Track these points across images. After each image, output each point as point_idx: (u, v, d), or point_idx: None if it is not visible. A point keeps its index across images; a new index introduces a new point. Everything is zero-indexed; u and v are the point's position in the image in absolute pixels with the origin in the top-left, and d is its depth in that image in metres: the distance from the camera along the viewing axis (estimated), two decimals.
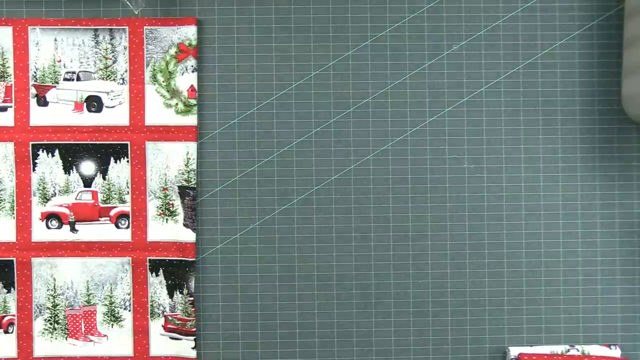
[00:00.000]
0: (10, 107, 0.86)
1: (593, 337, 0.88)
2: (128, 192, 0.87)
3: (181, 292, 0.87)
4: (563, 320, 0.88)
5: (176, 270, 0.87)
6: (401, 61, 0.88)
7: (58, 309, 0.87)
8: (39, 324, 0.87)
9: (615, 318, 0.88)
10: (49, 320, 0.87)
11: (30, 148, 0.86)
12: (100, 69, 0.87)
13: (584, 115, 0.89)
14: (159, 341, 0.87)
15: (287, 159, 0.88)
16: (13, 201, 0.86)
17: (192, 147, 0.87)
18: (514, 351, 0.87)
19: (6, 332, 0.86)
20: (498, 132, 0.88)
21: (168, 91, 0.87)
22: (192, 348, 0.86)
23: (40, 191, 0.86)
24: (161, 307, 0.87)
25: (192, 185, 0.87)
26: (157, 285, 0.87)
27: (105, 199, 0.87)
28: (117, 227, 0.87)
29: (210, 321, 0.88)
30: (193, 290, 0.87)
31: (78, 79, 0.86)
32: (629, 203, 0.89)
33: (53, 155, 0.86)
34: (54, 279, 0.86)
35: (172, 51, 0.86)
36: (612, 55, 0.88)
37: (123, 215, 0.87)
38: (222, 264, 0.88)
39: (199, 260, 0.88)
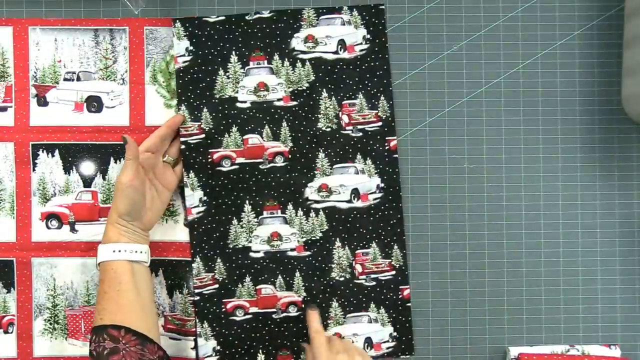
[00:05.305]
0: (10, 107, 0.86)
1: (593, 337, 0.88)
2: None
3: (181, 292, 0.87)
4: (563, 320, 0.88)
5: (176, 270, 0.87)
6: (401, 61, 0.88)
7: (58, 309, 0.87)
8: (38, 324, 0.87)
9: (615, 318, 0.88)
10: (48, 320, 0.87)
11: (30, 148, 0.86)
12: (101, 69, 0.87)
13: (584, 115, 0.89)
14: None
15: None
16: (13, 201, 0.86)
17: None
18: (514, 351, 0.87)
19: (6, 332, 0.86)
20: (498, 132, 0.88)
21: (168, 91, 0.87)
22: (192, 348, 0.86)
23: (40, 191, 0.86)
24: (161, 307, 0.87)
25: None
26: (157, 285, 0.87)
27: (105, 199, 0.87)
28: None
29: None
30: (193, 290, 0.87)
31: (78, 79, 0.86)
32: (629, 203, 0.89)
33: (53, 156, 0.86)
34: (54, 279, 0.86)
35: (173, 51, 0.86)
36: (612, 55, 0.88)
37: None
38: None
39: None
